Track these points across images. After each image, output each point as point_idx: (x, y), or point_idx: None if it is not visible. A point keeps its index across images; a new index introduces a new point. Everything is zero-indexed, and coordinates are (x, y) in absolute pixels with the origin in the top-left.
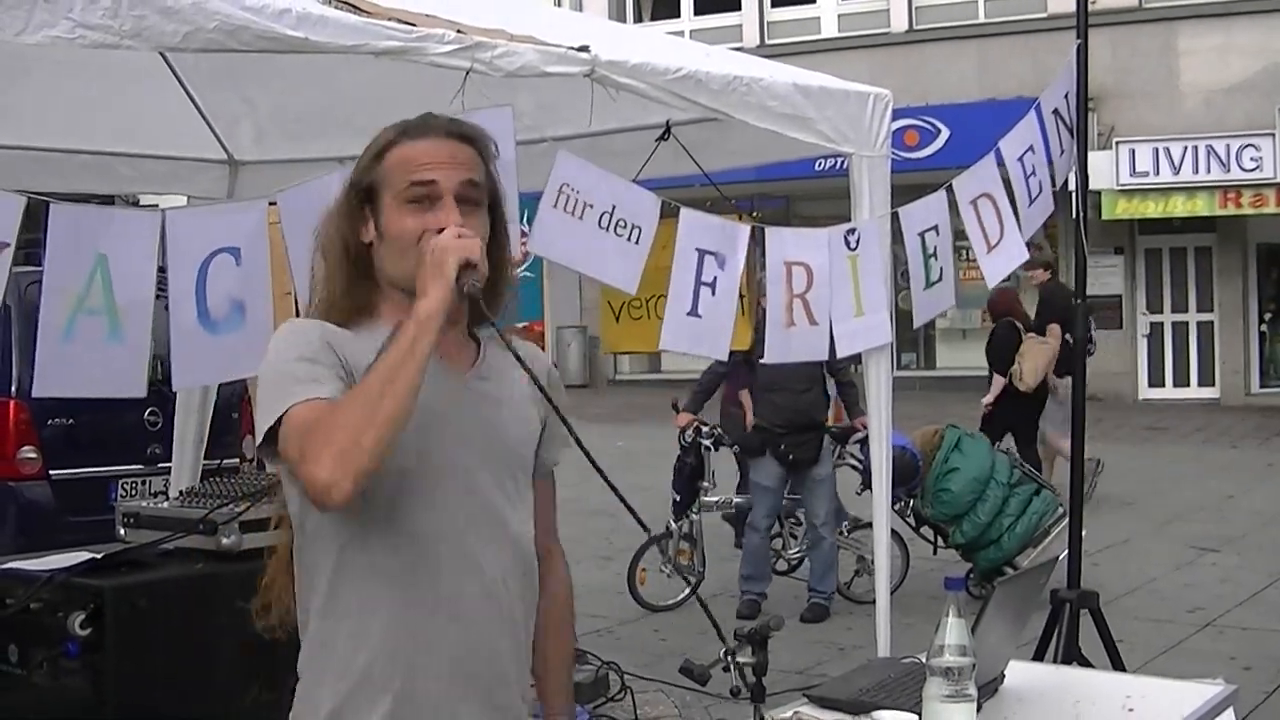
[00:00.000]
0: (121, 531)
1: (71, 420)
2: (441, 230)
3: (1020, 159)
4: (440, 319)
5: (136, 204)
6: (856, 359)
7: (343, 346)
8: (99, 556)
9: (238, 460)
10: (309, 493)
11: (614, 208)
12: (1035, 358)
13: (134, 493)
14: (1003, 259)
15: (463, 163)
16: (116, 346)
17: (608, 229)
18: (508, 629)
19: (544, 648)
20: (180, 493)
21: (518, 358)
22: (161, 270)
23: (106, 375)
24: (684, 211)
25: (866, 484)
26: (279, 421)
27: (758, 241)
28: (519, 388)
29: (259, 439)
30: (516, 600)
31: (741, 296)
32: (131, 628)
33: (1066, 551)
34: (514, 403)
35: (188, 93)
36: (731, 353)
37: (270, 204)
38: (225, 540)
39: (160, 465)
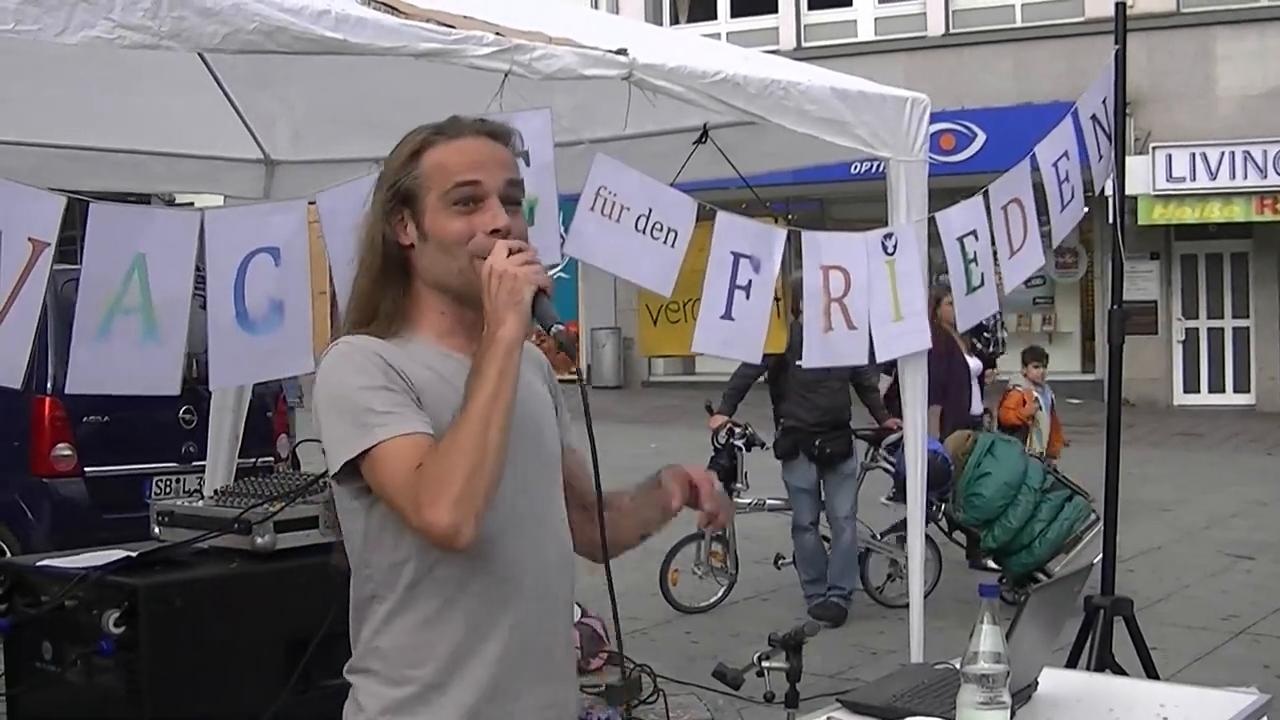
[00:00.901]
0: (156, 530)
1: (106, 418)
2: (494, 231)
3: (1055, 164)
4: (520, 348)
5: (173, 203)
6: (885, 365)
7: (401, 365)
8: (134, 555)
9: (273, 459)
10: (429, 539)
11: (650, 211)
12: None
13: (168, 491)
14: (1021, 266)
15: (503, 162)
16: (152, 345)
17: (644, 232)
18: (560, 620)
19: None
20: (215, 491)
21: (570, 354)
22: (199, 271)
23: (141, 374)
24: (720, 214)
25: (898, 487)
26: (362, 453)
27: (793, 245)
28: (534, 383)
29: (333, 468)
30: (564, 592)
31: (776, 299)
32: (166, 626)
33: (1100, 558)
34: (536, 398)
35: (225, 92)
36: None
37: (309, 204)
38: (260, 540)
39: (195, 464)
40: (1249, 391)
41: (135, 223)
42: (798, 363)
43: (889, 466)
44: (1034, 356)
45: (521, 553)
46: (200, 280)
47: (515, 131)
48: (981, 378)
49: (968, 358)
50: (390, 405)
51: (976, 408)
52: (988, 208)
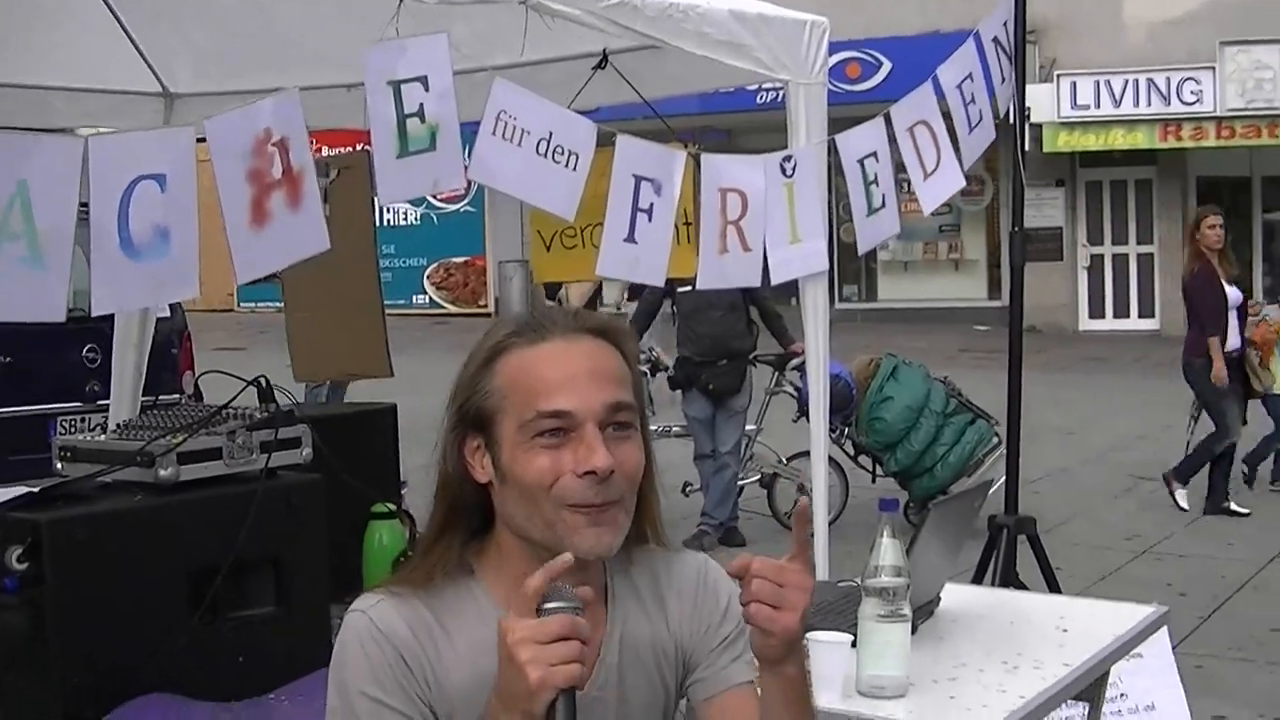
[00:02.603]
0: (58, 465)
1: (9, 359)
2: (587, 473)
3: (959, 86)
4: None
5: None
6: (794, 289)
7: (431, 668)
8: (35, 490)
9: (176, 396)
10: None
11: (551, 134)
12: (580, 282)
13: (74, 430)
14: (939, 186)
15: (607, 375)
16: (38, 272)
17: (546, 155)
18: None
19: None
20: (117, 426)
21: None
22: (84, 205)
23: (26, 300)
24: (620, 138)
25: (802, 412)
26: None
27: (695, 168)
28: (662, 640)
29: None
30: None
31: (687, 224)
32: (70, 561)
33: (1004, 478)
34: (642, 676)
35: (121, 25)
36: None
37: (199, 140)
38: (163, 472)
39: (99, 403)
40: (1153, 317)
41: (18, 149)
42: (680, 290)
43: (794, 391)
44: None
45: None
46: (83, 208)
47: (626, 331)
48: (1242, 308)
49: (1227, 287)
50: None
51: (1234, 340)
52: (891, 130)
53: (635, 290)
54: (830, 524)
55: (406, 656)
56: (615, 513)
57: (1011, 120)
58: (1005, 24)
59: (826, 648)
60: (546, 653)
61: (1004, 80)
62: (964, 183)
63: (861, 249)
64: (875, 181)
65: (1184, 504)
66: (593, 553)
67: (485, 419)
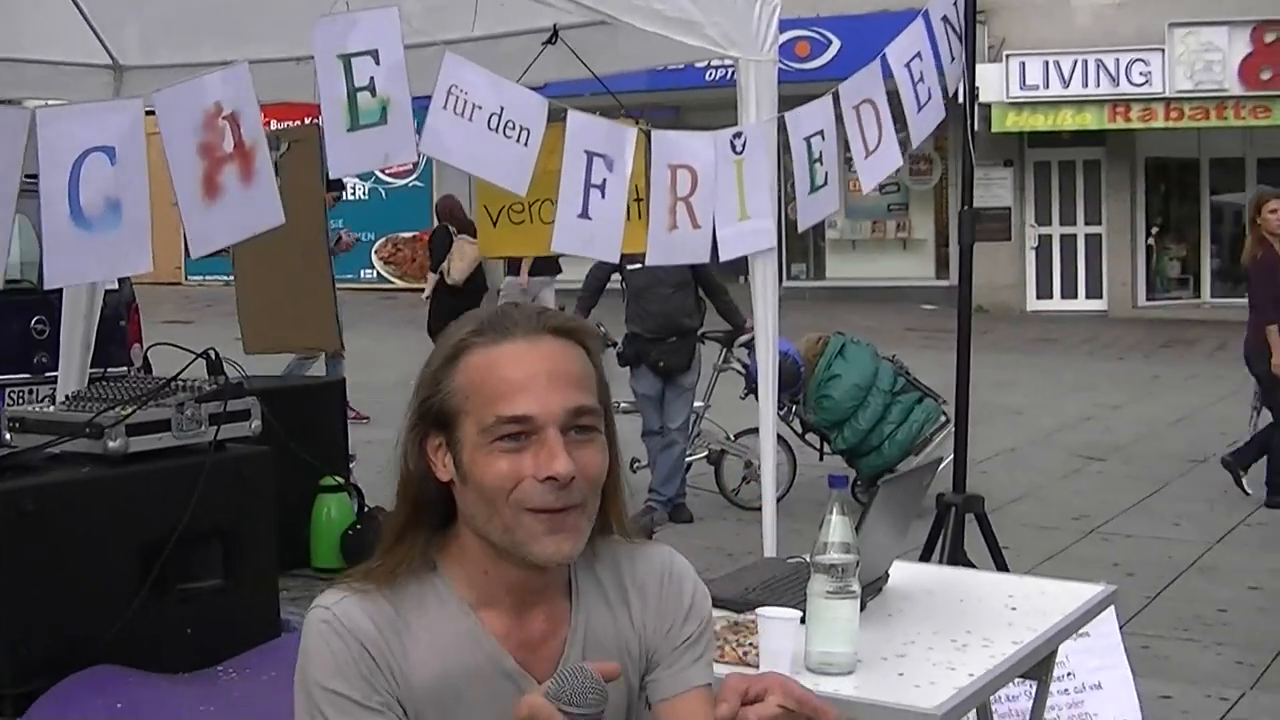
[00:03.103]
0: (6, 436)
1: None
2: (548, 479)
3: (907, 65)
4: None
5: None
6: (743, 267)
7: (397, 664)
8: None
9: (125, 369)
10: None
11: (502, 109)
12: (463, 257)
13: (21, 402)
14: (878, 164)
15: (569, 377)
16: None
17: (497, 130)
18: None
19: None
20: (66, 397)
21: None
22: (31, 177)
23: None
24: (571, 113)
25: (750, 389)
26: None
27: (646, 144)
28: (626, 639)
29: None
30: None
31: (639, 200)
32: (17, 532)
33: (952, 457)
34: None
35: None
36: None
37: (148, 113)
38: (111, 444)
39: (48, 375)
40: (1101, 297)
41: None
42: (629, 267)
43: (741, 369)
44: None
45: None
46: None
47: (590, 330)
48: None
49: None
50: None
51: None
52: (838, 108)
53: (512, 266)
54: (778, 501)
55: (372, 652)
56: (576, 518)
57: (961, 100)
58: (955, 3)
59: (776, 624)
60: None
61: (953, 59)
62: (901, 162)
63: (801, 226)
64: (819, 160)
65: (1249, 489)
66: (552, 560)
67: (447, 418)
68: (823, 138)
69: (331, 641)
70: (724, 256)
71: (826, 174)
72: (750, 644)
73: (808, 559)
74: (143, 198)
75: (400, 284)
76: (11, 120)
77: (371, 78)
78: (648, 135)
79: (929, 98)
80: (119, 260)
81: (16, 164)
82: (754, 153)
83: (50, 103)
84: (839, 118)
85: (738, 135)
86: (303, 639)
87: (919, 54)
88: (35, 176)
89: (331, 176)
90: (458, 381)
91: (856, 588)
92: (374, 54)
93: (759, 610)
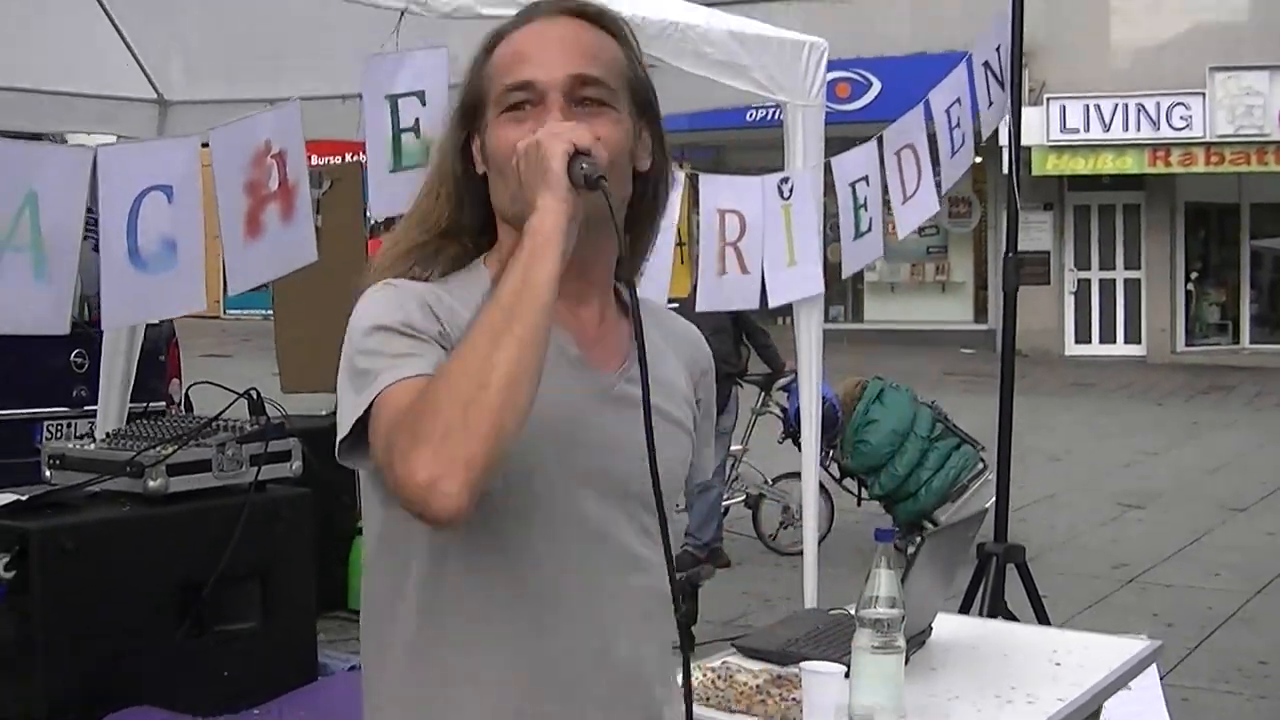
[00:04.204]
0: (47, 473)
1: None
2: None
3: (947, 110)
4: (560, 235)
5: (64, 143)
6: (785, 310)
7: (450, 308)
8: (24, 498)
9: (164, 404)
10: (405, 503)
11: None
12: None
13: (60, 435)
14: (915, 210)
15: (576, 48)
16: (42, 285)
17: None
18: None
19: None
20: (107, 435)
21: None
22: (91, 212)
23: (31, 313)
24: None
25: (788, 432)
26: (368, 412)
27: (692, 189)
28: (679, 381)
29: (340, 435)
30: (655, 679)
31: (681, 244)
32: (57, 570)
33: (993, 504)
34: (672, 407)
35: (117, 29)
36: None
37: (203, 145)
38: (152, 483)
39: (86, 408)
40: (1140, 342)
41: (27, 159)
42: (667, 308)
43: (779, 411)
44: None
45: (600, 621)
46: (92, 220)
47: (616, 17)
48: None
49: None
50: (408, 350)
51: None
52: (881, 154)
53: None
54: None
55: (429, 299)
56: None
57: (1005, 143)
58: (998, 48)
59: (820, 678)
60: (545, 132)
61: (990, 104)
62: (938, 208)
63: (846, 271)
64: (864, 205)
65: None
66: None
67: (478, 107)
68: (867, 183)
69: (382, 299)
70: (773, 303)
71: (870, 220)
72: (794, 698)
73: (851, 610)
74: (198, 237)
75: None
76: (76, 160)
77: (417, 119)
78: (691, 179)
79: (962, 143)
80: (174, 300)
81: (81, 206)
82: (801, 198)
83: (96, 136)
84: (882, 162)
85: (785, 180)
86: (348, 332)
87: (959, 99)
88: (91, 214)
89: (373, 217)
90: (486, 70)
91: (902, 643)
92: (420, 95)
93: (803, 664)
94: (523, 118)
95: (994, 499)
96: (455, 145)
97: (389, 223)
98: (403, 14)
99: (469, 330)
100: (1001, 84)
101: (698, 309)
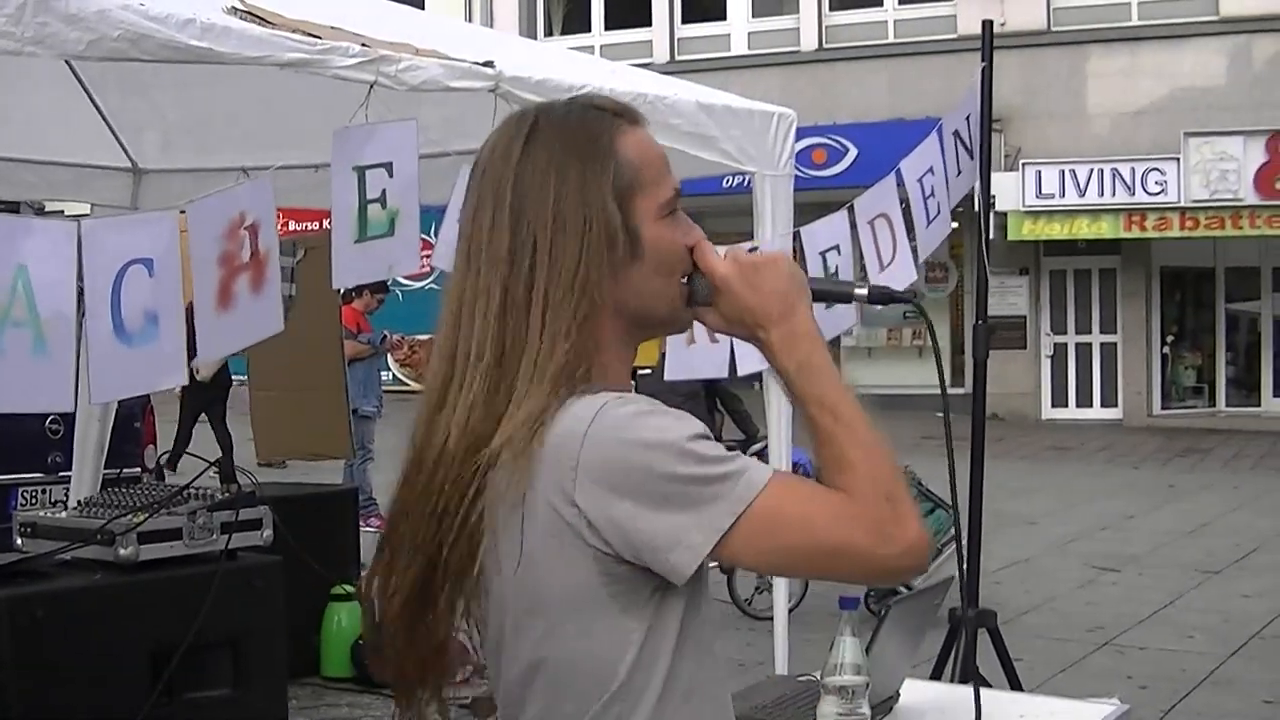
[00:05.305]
0: (18, 541)
1: None
2: (690, 249)
3: (920, 180)
4: None
5: (42, 211)
6: (757, 376)
7: None
8: None
9: (139, 470)
10: (896, 574)
11: None
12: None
13: (34, 502)
14: (893, 279)
15: None
16: (42, 359)
17: None
18: None
19: None
20: (79, 502)
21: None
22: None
23: (34, 389)
24: None
25: None
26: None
27: None
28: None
29: (690, 564)
30: None
31: None
32: (28, 638)
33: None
34: None
35: (92, 100)
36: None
37: (180, 213)
38: (123, 551)
39: (61, 474)
40: (1116, 406)
41: (14, 232)
42: (640, 373)
43: None
44: None
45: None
46: (80, 292)
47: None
48: None
49: None
50: (728, 453)
51: None
52: (853, 222)
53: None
54: (790, 611)
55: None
56: None
57: (976, 209)
58: (968, 117)
59: None
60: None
61: (960, 173)
62: (915, 275)
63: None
64: (836, 274)
65: None
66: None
67: (625, 194)
68: (838, 252)
69: (648, 404)
70: (742, 371)
71: None
72: None
73: (818, 676)
74: (178, 310)
75: (416, 386)
76: (62, 233)
77: (384, 190)
78: None
79: (938, 213)
80: (157, 374)
81: (72, 279)
82: None
83: (71, 205)
84: (854, 229)
85: (754, 249)
86: (616, 435)
87: (931, 169)
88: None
89: (335, 286)
90: (624, 160)
91: (866, 710)
92: (388, 166)
93: None
94: (676, 222)
95: (961, 564)
96: (608, 239)
97: (360, 290)
98: (372, 87)
99: (844, 414)
100: (970, 153)
101: (666, 378)
